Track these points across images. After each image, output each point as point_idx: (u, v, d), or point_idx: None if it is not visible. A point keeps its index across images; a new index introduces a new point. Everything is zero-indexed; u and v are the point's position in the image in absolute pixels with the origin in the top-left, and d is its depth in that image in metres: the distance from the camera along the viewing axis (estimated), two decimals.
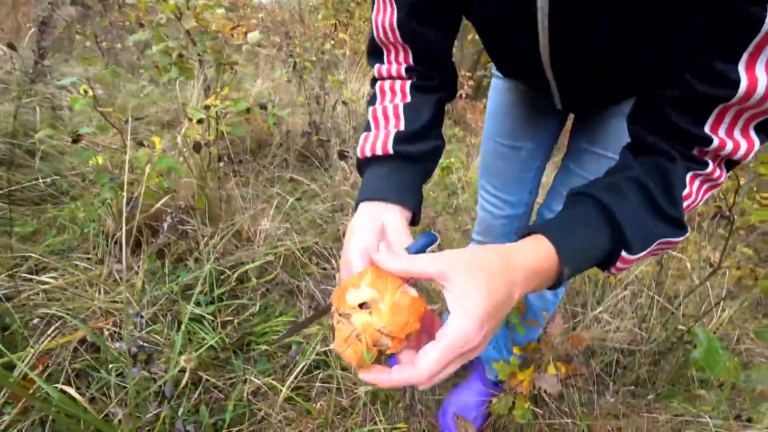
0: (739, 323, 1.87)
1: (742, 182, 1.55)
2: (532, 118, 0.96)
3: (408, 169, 0.64)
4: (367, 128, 0.69)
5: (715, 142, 0.49)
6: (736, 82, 0.44)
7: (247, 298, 1.39)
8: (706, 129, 0.48)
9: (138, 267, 1.35)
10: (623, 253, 0.51)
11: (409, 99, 0.68)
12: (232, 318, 1.33)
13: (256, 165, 2.22)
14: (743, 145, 0.49)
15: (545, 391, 1.22)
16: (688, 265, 2.11)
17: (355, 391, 1.14)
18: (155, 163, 1.20)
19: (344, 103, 2.77)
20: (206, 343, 1.11)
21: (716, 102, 0.47)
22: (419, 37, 0.66)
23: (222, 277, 1.37)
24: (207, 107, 1.38)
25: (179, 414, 0.98)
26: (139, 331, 1.09)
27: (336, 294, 0.47)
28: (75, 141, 1.18)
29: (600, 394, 1.40)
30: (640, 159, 0.54)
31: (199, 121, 1.32)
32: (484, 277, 0.42)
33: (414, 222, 0.65)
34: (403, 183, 0.63)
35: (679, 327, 1.57)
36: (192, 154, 1.39)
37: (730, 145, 0.49)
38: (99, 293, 1.28)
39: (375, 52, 0.72)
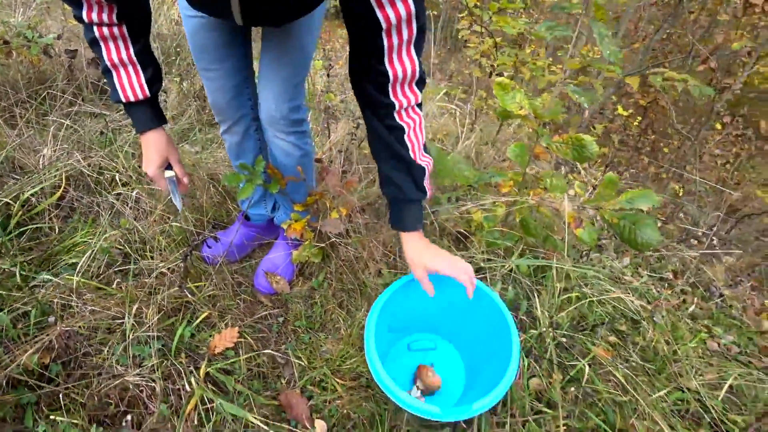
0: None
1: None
2: (224, 37, 1.12)
3: (157, 100, 1.04)
4: (108, 72, 0.97)
5: (396, 104, 0.88)
6: (386, 73, 0.83)
7: (44, 223, 1.41)
8: (391, 97, 0.88)
9: None
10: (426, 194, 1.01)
11: (131, 47, 0.95)
12: (31, 246, 1.37)
13: (39, 105, 2.07)
14: (411, 98, 0.90)
15: (329, 232, 1.48)
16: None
17: (157, 268, 1.29)
18: None
19: None
20: None
21: (387, 83, 0.85)
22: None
23: (7, 210, 1.38)
24: None
25: None
26: None
27: None
28: None
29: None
30: (374, 122, 0.92)
31: None
32: (423, 259, 1.03)
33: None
34: (156, 113, 1.04)
35: None
36: None
37: (404, 102, 0.89)
38: None
39: (72, 3, 0.85)
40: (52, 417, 0.96)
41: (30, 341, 1.07)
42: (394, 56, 0.82)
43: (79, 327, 1.13)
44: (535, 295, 1.38)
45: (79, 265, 1.24)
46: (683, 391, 1.29)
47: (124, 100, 0.98)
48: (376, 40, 0.78)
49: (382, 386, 0.96)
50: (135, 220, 1.47)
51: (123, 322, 1.16)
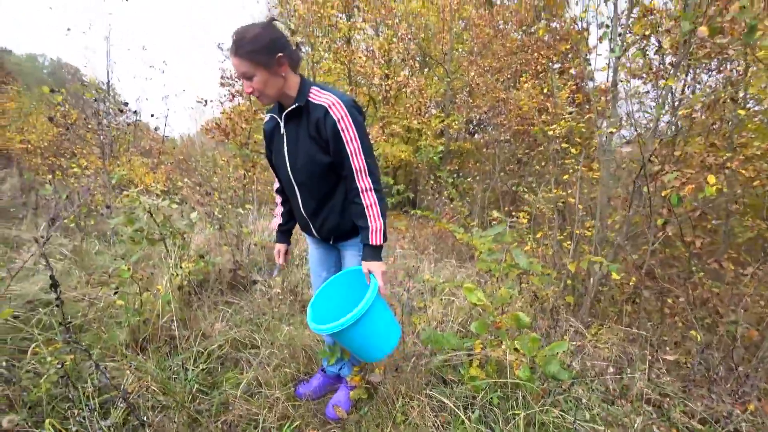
0: None
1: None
2: (321, 257, 2.30)
3: (285, 233, 2.25)
4: (275, 216, 2.22)
5: (358, 187, 1.76)
6: (351, 167, 1.75)
7: (212, 364, 2.51)
8: (356, 181, 1.76)
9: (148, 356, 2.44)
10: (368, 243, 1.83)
11: (281, 208, 2.18)
12: (209, 375, 2.44)
13: (205, 294, 3.37)
14: (367, 183, 1.77)
15: (372, 381, 2.42)
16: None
17: (274, 394, 2.29)
18: (161, 298, 2.37)
19: (255, 245, 4.05)
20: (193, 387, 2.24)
21: (352, 173, 1.76)
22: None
23: (202, 355, 2.50)
24: (179, 266, 2.60)
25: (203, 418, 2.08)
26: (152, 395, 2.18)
27: None
28: (116, 292, 2.33)
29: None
30: (351, 202, 1.83)
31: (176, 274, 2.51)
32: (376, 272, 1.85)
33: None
34: (284, 237, 2.25)
35: None
36: (175, 291, 2.57)
37: (363, 186, 1.76)
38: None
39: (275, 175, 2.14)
40: None
41: (213, 418, 2.07)
42: (354, 160, 1.71)
43: (236, 417, 2.12)
44: (500, 418, 2.20)
45: (240, 387, 2.28)
46: None
47: (272, 226, 2.20)
48: (346, 157, 1.71)
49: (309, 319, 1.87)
50: (263, 367, 2.53)
51: (258, 419, 2.13)
